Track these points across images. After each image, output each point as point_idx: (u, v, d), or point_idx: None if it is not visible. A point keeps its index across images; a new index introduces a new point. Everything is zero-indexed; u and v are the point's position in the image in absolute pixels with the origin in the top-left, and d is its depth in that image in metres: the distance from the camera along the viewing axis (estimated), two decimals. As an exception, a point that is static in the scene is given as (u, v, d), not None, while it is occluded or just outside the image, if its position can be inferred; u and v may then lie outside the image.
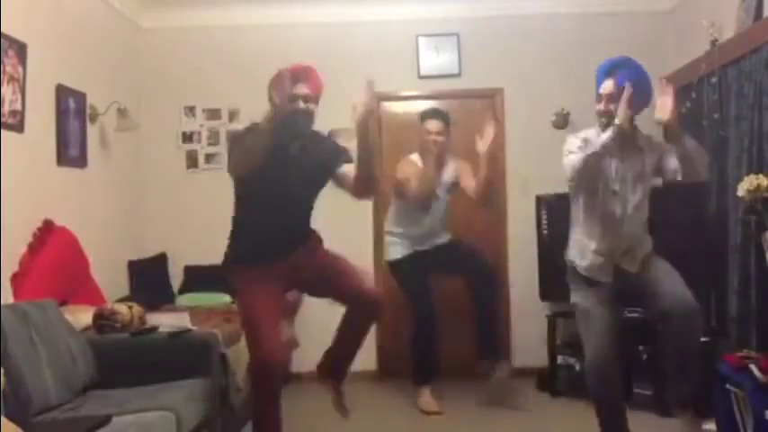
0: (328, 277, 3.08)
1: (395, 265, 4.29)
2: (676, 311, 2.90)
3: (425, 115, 4.19)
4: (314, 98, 2.97)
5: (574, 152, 2.99)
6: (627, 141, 2.99)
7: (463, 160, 4.28)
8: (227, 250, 3.10)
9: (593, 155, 2.88)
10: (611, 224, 3.03)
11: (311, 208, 3.15)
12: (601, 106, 2.99)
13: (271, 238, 2.98)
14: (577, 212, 3.14)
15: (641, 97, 2.95)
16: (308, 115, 2.96)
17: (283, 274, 3.01)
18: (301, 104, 2.92)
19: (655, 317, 3.11)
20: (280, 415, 3.07)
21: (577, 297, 3.13)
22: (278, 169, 2.92)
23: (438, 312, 4.21)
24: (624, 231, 3.02)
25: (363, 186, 3.02)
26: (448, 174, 4.24)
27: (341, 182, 3.08)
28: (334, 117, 3.30)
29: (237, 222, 3.09)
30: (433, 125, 4.11)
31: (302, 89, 2.92)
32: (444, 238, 4.30)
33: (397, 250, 4.27)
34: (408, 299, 4.27)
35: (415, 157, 4.21)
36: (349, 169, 3.03)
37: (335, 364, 3.22)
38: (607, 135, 2.87)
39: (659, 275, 3.00)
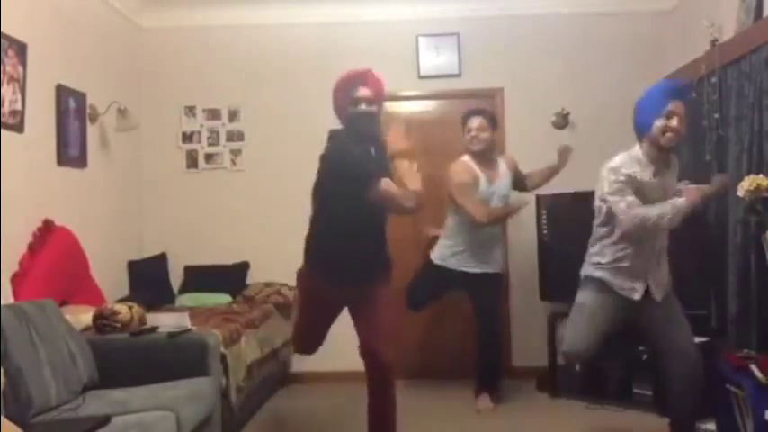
0: (362, 316, 3.10)
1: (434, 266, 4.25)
2: (684, 371, 2.99)
3: (467, 114, 4.22)
4: (375, 100, 3.00)
5: (621, 193, 2.92)
6: (663, 161, 3.01)
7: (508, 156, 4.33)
8: (306, 256, 3.16)
9: (655, 224, 2.88)
10: (646, 245, 3.01)
11: (384, 238, 3.13)
12: (674, 122, 2.91)
13: (351, 266, 3.00)
14: (609, 231, 3.08)
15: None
16: (371, 116, 3.00)
17: (349, 298, 3.08)
18: (363, 106, 2.98)
19: (656, 354, 3.18)
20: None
21: (585, 298, 3.11)
22: (354, 200, 2.91)
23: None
24: (655, 252, 3.01)
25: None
26: (502, 183, 4.20)
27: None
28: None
29: (319, 237, 3.10)
30: (475, 122, 4.14)
31: (363, 92, 2.99)
32: (492, 266, 4.22)
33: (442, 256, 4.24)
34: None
35: (467, 158, 4.18)
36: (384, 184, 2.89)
37: None
38: (677, 208, 2.85)
39: (674, 324, 3.01)
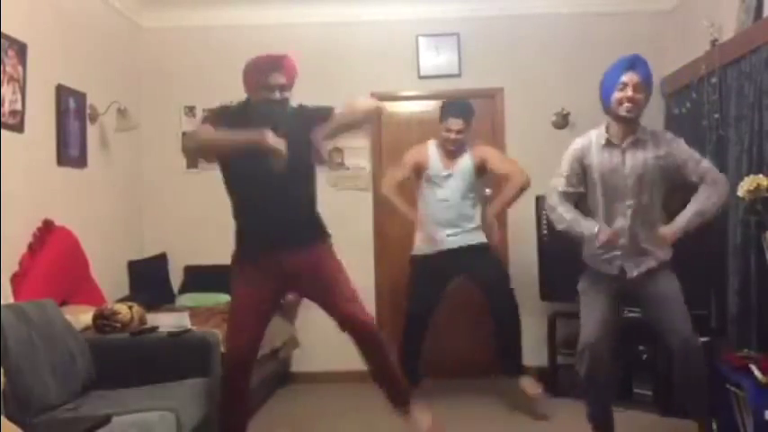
0: (317, 290, 3.04)
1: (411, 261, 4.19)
2: (677, 350, 2.98)
3: (445, 112, 4.10)
4: (289, 87, 2.95)
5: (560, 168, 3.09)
6: (631, 135, 3.02)
7: (484, 146, 4.22)
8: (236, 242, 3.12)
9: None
10: (608, 219, 3.05)
11: (307, 201, 3.05)
12: (628, 92, 2.95)
13: (256, 234, 2.93)
14: (584, 206, 3.19)
15: (649, 93, 3.04)
16: (284, 104, 2.94)
17: (275, 273, 2.95)
18: (277, 95, 2.90)
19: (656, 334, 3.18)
20: (244, 413, 3.17)
21: (584, 282, 3.16)
22: (255, 160, 2.85)
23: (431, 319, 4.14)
24: (620, 227, 3.02)
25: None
26: (459, 172, 4.09)
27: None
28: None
29: (233, 214, 3.08)
30: (453, 124, 4.04)
31: (278, 78, 2.90)
32: (475, 238, 4.10)
33: (417, 247, 4.15)
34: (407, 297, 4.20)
35: (432, 143, 4.17)
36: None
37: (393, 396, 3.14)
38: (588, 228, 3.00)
39: (664, 304, 3.00)
